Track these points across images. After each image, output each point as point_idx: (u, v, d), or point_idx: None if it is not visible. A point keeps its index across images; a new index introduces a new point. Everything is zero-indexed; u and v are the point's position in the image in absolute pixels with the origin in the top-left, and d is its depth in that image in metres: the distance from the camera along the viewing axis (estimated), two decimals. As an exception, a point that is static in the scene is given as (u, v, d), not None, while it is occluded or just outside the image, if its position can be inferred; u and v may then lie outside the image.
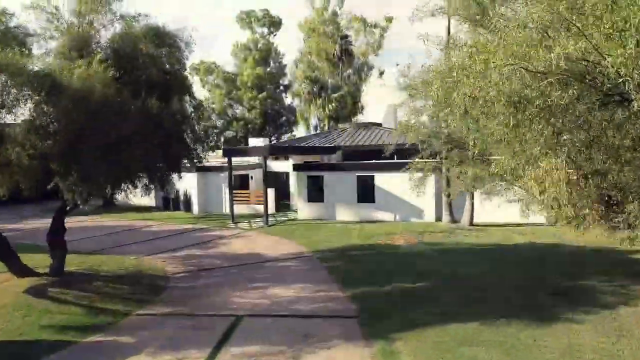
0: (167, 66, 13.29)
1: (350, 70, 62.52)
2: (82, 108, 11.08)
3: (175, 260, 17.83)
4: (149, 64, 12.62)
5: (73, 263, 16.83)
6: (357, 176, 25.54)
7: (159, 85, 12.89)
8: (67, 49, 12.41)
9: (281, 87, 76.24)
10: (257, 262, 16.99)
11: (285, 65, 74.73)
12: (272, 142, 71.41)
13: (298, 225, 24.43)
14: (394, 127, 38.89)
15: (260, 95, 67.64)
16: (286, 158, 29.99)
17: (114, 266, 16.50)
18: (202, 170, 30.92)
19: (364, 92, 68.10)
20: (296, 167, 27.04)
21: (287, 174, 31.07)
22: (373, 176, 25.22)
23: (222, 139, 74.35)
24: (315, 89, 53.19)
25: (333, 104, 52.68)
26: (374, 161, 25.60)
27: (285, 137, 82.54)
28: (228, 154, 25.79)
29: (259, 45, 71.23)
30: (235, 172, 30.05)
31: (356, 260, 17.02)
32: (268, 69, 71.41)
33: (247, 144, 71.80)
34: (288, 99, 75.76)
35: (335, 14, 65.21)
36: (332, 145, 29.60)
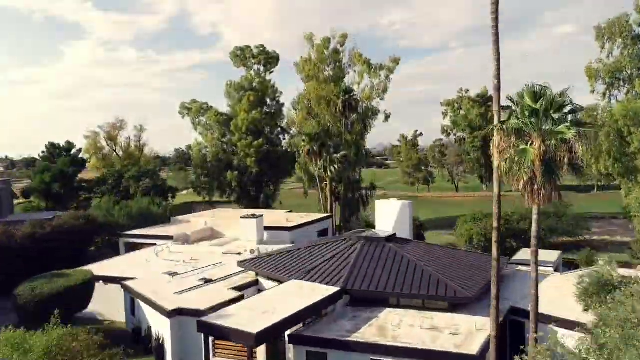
0: None
1: (354, 116, 56.65)
2: None
3: None
4: None
5: None
6: (371, 360, 19.85)
7: None
8: None
9: (279, 129, 70.47)
10: None
11: (283, 104, 68.85)
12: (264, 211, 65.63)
13: None
14: (409, 231, 33.01)
15: (256, 143, 62.01)
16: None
17: None
18: (177, 314, 25.35)
19: (368, 140, 62.25)
20: (293, 339, 21.33)
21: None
22: (391, 363, 19.53)
23: (216, 185, 68.82)
24: (315, 148, 47.46)
25: (336, 166, 46.84)
26: (395, 344, 19.83)
27: (284, 180, 76.87)
28: (203, 330, 20.15)
29: (254, 84, 65.47)
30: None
31: None
32: (265, 109, 65.72)
33: (240, 198, 65.78)
34: (287, 140, 70.14)
35: (337, 51, 59.26)
36: (336, 285, 23.81)
